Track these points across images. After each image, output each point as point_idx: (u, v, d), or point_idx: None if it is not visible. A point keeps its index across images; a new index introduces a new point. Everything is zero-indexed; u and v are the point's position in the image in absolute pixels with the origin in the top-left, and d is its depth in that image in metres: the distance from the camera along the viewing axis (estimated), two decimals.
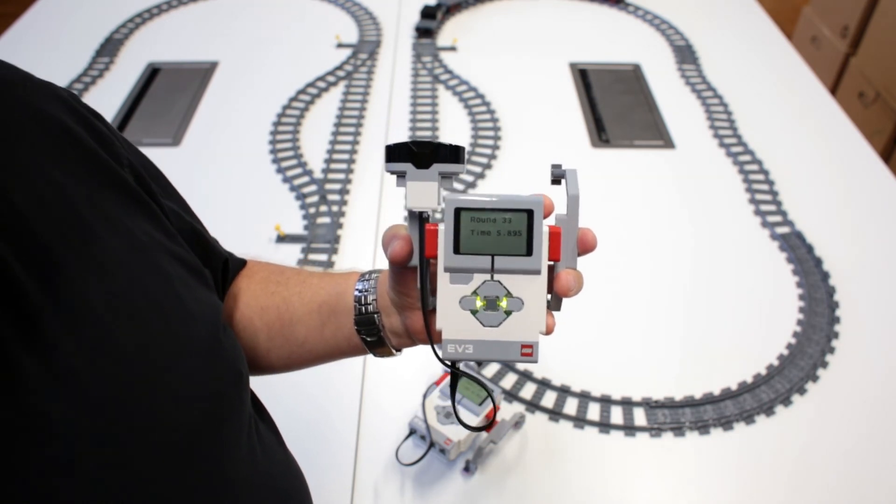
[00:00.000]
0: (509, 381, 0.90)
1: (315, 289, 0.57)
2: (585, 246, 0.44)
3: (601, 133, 1.34)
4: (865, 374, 0.91)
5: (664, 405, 0.87)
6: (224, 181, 1.22)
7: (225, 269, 0.57)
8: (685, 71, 1.51)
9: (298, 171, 1.23)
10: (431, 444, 0.78)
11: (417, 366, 0.90)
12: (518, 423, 0.83)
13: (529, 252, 0.42)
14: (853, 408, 0.88)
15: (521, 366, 0.91)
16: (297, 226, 1.12)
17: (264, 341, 0.58)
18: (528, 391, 0.88)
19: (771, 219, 1.14)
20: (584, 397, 0.88)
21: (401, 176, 0.43)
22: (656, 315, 1.00)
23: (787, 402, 0.88)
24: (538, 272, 0.43)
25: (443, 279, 0.43)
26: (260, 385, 0.82)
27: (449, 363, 0.45)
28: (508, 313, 0.43)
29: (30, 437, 0.34)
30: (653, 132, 1.35)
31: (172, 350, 0.41)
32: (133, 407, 0.38)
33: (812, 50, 2.37)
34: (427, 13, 1.63)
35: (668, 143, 1.32)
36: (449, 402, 0.78)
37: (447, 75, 1.48)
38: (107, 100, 1.39)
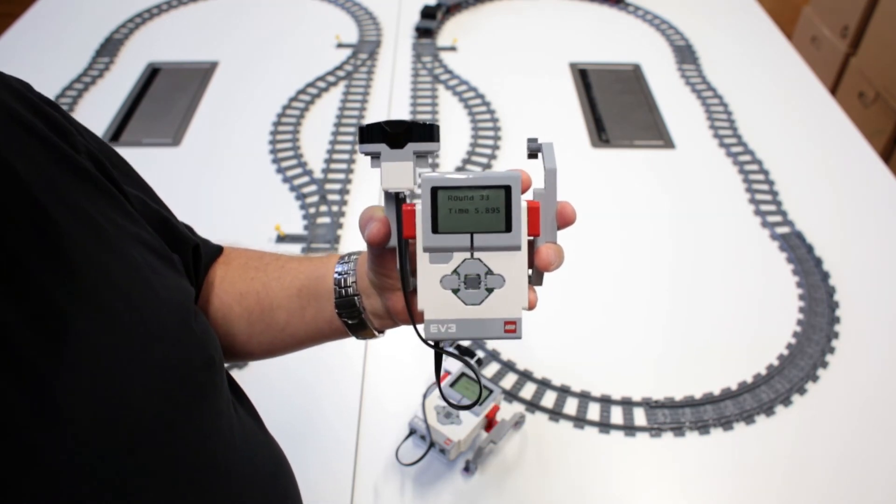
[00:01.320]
0: (509, 381, 0.90)
1: (294, 273, 0.57)
2: (565, 219, 0.43)
3: (601, 133, 1.34)
4: (865, 374, 0.91)
5: (664, 405, 0.87)
6: (224, 181, 1.22)
7: (196, 254, 0.57)
8: (685, 71, 1.51)
9: (298, 171, 1.23)
10: (431, 444, 0.78)
11: (417, 365, 0.90)
12: (518, 423, 0.83)
13: (509, 228, 0.42)
14: (853, 408, 0.88)
15: (521, 365, 0.91)
16: (297, 226, 1.12)
17: (245, 327, 0.57)
18: (528, 391, 0.88)
19: (771, 219, 1.14)
20: (584, 397, 0.88)
21: (375, 157, 0.42)
22: (656, 315, 1.00)
23: (787, 402, 0.88)
24: (518, 248, 0.42)
25: (422, 259, 0.42)
26: (259, 385, 0.82)
27: (432, 343, 0.45)
28: (490, 291, 0.43)
29: None
30: (653, 132, 1.35)
31: (141, 339, 0.41)
32: (98, 398, 0.37)
33: (812, 50, 2.37)
34: (427, 13, 1.63)
35: (668, 143, 1.32)
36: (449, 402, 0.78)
37: (447, 75, 1.48)
38: (107, 100, 1.39)
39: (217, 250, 0.61)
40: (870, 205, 1.19)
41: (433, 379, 0.82)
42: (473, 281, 0.43)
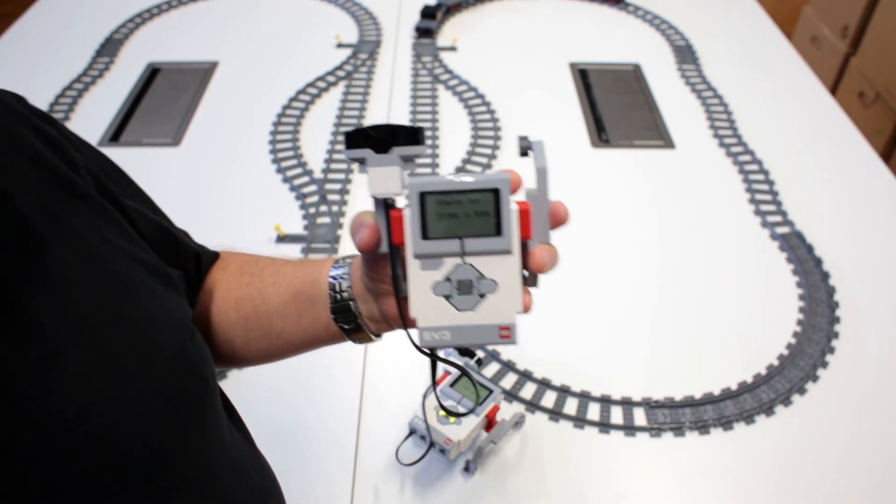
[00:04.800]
0: (509, 381, 0.90)
1: (290, 278, 0.56)
2: (557, 219, 0.43)
3: (601, 133, 1.34)
4: (865, 374, 0.91)
5: (664, 405, 0.87)
6: (224, 181, 1.21)
7: (197, 263, 0.56)
8: (685, 71, 1.51)
9: (298, 171, 1.23)
10: (431, 444, 0.78)
11: (417, 365, 0.90)
12: (518, 423, 0.83)
13: (499, 232, 0.41)
14: (853, 408, 0.88)
15: (521, 365, 0.91)
16: (297, 226, 1.12)
17: (242, 333, 0.57)
18: (528, 391, 0.88)
19: (771, 219, 1.14)
20: (584, 397, 0.88)
21: (362, 163, 0.42)
22: (657, 315, 1.00)
23: (787, 402, 0.88)
24: (510, 251, 0.42)
25: (413, 266, 0.42)
26: (258, 385, 0.82)
27: (427, 351, 0.44)
28: (483, 296, 0.42)
29: None
30: (653, 132, 1.35)
31: (133, 365, 0.40)
32: (87, 427, 0.37)
33: (812, 50, 2.37)
34: (427, 13, 1.63)
35: (668, 143, 1.32)
36: (449, 402, 0.78)
37: (447, 75, 1.48)
38: (107, 100, 1.39)
39: (214, 256, 0.60)
40: (870, 205, 1.19)
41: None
42: (466, 286, 0.42)
